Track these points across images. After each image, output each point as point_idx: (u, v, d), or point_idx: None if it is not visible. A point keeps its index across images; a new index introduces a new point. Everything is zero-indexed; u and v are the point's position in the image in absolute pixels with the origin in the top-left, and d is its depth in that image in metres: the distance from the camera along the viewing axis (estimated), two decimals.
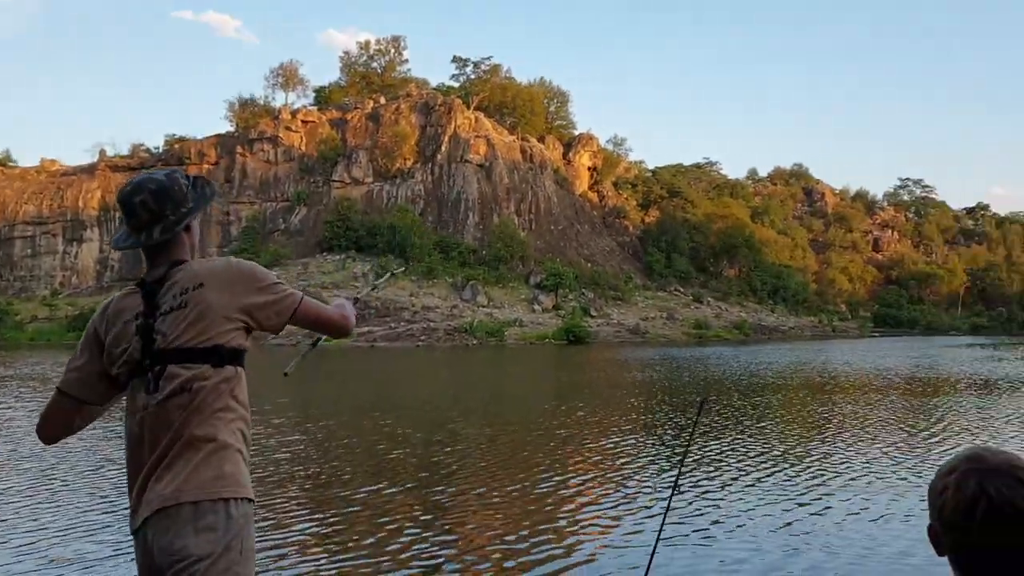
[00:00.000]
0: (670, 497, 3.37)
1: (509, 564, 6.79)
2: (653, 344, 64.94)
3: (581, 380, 28.51)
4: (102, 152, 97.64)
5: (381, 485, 9.89)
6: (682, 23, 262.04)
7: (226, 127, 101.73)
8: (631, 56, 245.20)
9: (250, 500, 2.56)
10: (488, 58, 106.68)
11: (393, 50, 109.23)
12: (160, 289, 2.74)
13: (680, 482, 2.96)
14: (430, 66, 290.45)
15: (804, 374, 30.48)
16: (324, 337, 3.17)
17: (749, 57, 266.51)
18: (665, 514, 3.44)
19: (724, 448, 12.50)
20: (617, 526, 8.03)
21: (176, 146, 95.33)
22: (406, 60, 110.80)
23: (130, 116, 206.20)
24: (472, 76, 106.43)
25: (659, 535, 3.30)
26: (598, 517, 8.39)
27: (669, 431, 14.67)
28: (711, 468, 10.79)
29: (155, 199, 2.78)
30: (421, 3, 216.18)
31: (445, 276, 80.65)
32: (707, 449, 12.40)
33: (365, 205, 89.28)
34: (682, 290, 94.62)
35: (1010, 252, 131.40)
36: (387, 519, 8.26)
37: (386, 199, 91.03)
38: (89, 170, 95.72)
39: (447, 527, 8.07)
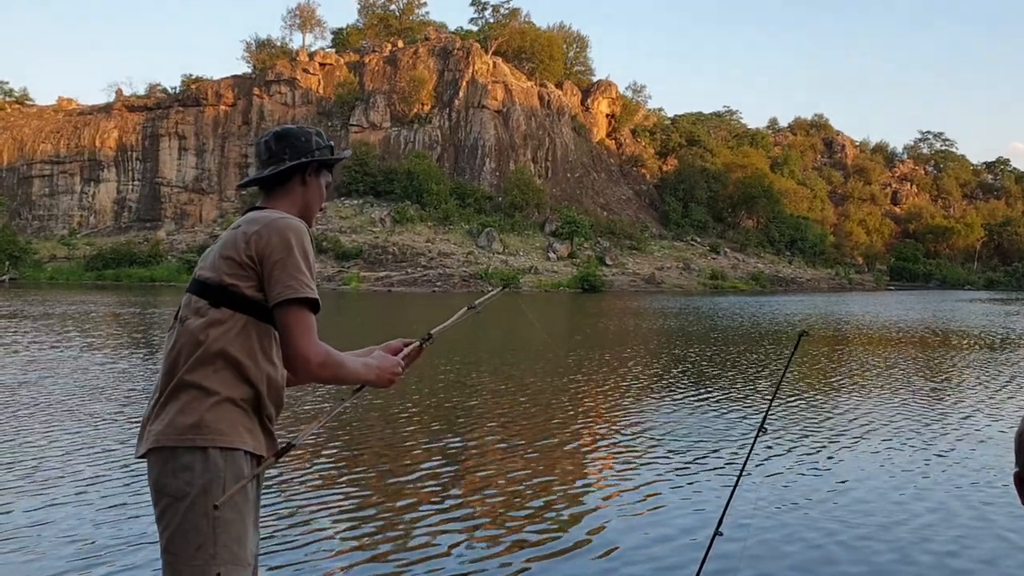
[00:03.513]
0: (754, 439, 3.31)
1: (567, 514, 6.81)
2: (669, 294, 64.88)
3: (612, 328, 28.57)
4: (119, 91, 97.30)
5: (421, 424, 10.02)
6: None
7: (243, 68, 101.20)
8: (651, 1, 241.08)
9: (237, 450, 2.54)
10: (507, 2, 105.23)
11: None
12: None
13: (766, 425, 2.95)
14: (448, 9, 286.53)
15: (836, 325, 30.46)
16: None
17: (772, 5, 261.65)
18: (747, 458, 3.39)
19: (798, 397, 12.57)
20: (692, 474, 7.85)
21: (193, 86, 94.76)
22: (424, 3, 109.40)
23: (147, 55, 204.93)
24: (491, 20, 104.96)
25: (738, 480, 3.27)
26: (671, 464, 8.30)
27: (726, 378, 14.73)
28: (789, 419, 10.89)
29: (276, 139, 2.85)
30: None
31: (461, 223, 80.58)
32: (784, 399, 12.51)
33: (382, 150, 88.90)
34: (699, 240, 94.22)
35: None
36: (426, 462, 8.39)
37: (403, 144, 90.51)
38: (106, 109, 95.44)
39: (504, 473, 8.17)
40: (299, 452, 8.45)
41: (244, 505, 2.55)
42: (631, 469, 8.18)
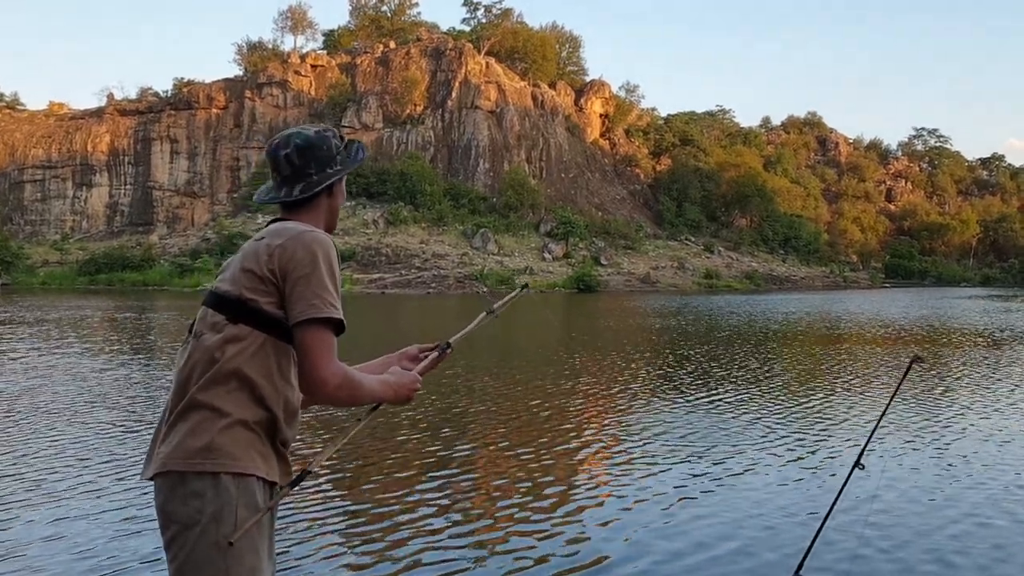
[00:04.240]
0: (849, 474, 3.07)
1: (587, 527, 6.60)
2: (664, 293, 64.74)
3: (614, 328, 28.36)
4: (110, 96, 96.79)
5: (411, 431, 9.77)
6: None
7: (235, 71, 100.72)
8: (643, 1, 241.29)
9: (249, 476, 2.36)
10: (499, 2, 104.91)
11: None
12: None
13: (863, 461, 2.78)
14: (441, 9, 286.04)
15: (837, 324, 30.32)
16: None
17: (763, 3, 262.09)
18: (839, 494, 3.16)
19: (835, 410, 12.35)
20: (773, 502, 6.96)
21: (185, 90, 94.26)
22: (416, 3, 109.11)
23: (138, 59, 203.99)
24: (483, 20, 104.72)
25: (828, 515, 3.06)
26: (700, 476, 8.08)
27: (744, 381, 14.49)
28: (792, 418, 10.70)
29: (299, 155, 2.64)
30: None
31: (455, 223, 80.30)
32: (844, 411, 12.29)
33: (375, 151, 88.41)
34: (693, 239, 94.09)
35: None
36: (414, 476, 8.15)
37: (396, 145, 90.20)
38: (97, 114, 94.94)
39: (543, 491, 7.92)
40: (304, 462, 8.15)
41: (258, 535, 2.38)
42: (662, 482, 7.91)
